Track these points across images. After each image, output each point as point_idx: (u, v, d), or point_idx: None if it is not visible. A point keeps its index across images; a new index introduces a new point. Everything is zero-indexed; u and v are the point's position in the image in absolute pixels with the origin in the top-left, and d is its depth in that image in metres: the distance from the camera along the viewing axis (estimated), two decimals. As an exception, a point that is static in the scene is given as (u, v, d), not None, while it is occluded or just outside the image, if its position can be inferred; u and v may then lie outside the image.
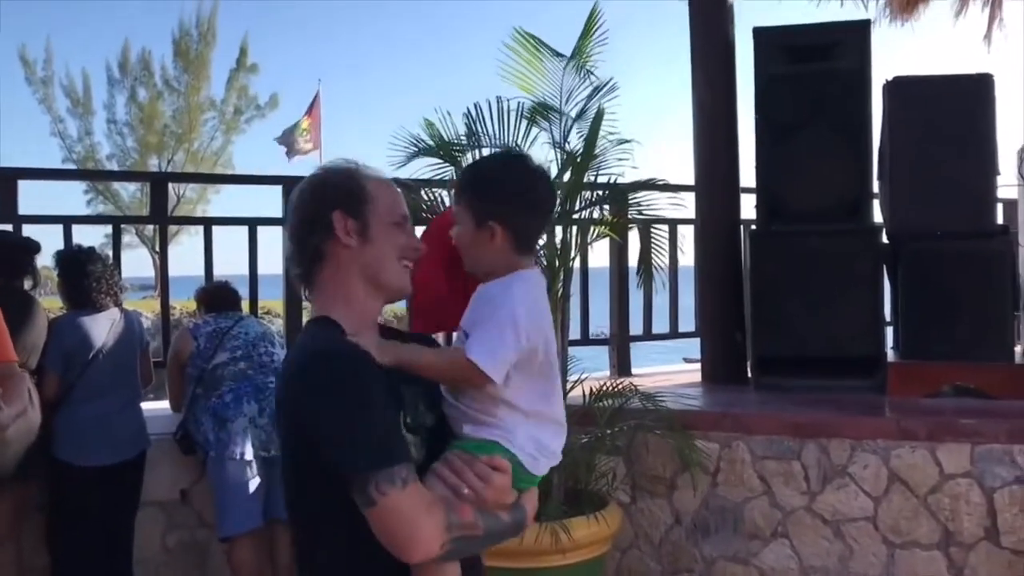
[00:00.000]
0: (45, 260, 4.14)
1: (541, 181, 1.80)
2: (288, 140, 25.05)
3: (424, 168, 4.18)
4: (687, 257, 5.70)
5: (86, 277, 3.89)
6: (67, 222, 4.76)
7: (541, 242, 3.91)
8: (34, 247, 3.93)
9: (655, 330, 6.18)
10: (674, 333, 6.28)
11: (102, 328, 3.88)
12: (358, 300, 1.69)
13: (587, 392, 4.11)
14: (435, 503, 1.54)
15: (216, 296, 4.39)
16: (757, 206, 5.20)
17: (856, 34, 5.01)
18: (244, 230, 5.17)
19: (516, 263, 1.73)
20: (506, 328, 1.62)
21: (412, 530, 1.49)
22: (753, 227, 5.32)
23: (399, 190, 1.76)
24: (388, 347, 1.64)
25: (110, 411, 3.85)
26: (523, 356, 1.64)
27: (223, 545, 3.95)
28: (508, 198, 1.72)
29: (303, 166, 27.04)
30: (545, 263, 3.93)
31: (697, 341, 5.73)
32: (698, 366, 5.58)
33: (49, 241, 4.13)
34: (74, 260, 3.98)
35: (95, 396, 3.80)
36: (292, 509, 1.70)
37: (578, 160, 4.04)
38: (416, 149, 4.11)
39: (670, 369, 6.12)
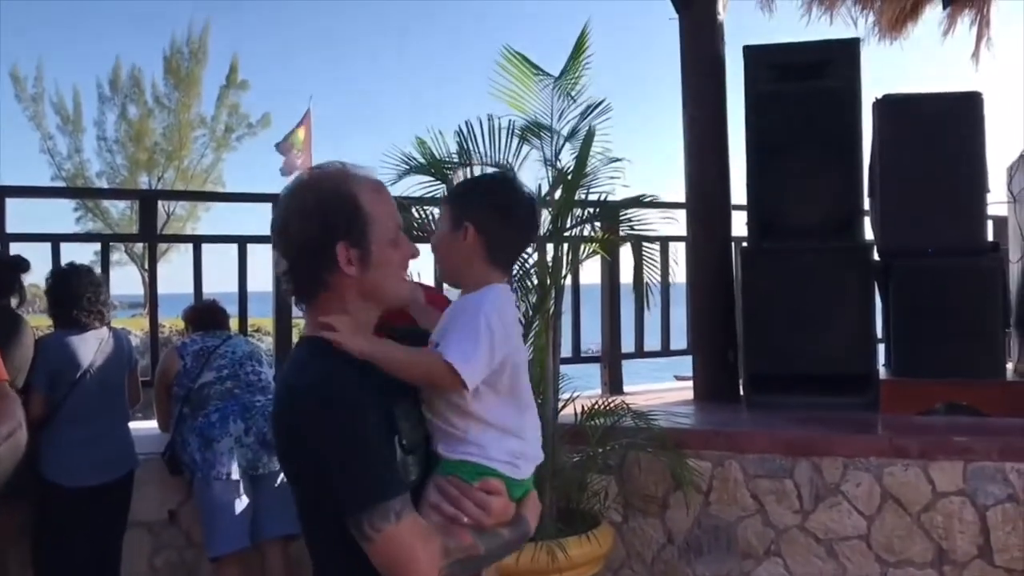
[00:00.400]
0: (36, 279, 4.12)
1: (523, 200, 1.83)
2: (284, 147, 24.77)
3: (415, 186, 4.17)
4: (679, 274, 5.70)
5: (74, 296, 3.86)
6: (55, 240, 4.74)
7: (528, 264, 3.93)
8: (22, 265, 3.90)
9: (647, 347, 6.16)
10: (666, 351, 6.27)
11: (90, 348, 3.85)
12: (356, 314, 1.68)
13: (579, 411, 4.09)
14: (431, 531, 1.56)
15: (203, 315, 4.37)
16: (748, 223, 5.21)
17: (846, 52, 5.04)
18: (234, 248, 5.15)
19: (488, 275, 1.74)
20: (481, 338, 1.63)
21: (409, 562, 1.52)
22: (744, 244, 5.33)
23: (390, 193, 1.75)
24: (363, 339, 1.64)
25: (98, 431, 3.80)
26: (494, 369, 1.65)
27: (211, 565, 3.91)
28: (485, 203, 1.76)
29: (295, 179, 26.72)
30: (536, 281, 3.92)
31: (689, 358, 5.73)
32: (690, 384, 5.57)
33: (37, 259, 4.10)
34: (63, 278, 3.95)
35: (83, 416, 3.76)
36: (302, 528, 1.70)
37: (569, 178, 4.04)
38: (407, 167, 4.10)
39: (662, 387, 6.13)
